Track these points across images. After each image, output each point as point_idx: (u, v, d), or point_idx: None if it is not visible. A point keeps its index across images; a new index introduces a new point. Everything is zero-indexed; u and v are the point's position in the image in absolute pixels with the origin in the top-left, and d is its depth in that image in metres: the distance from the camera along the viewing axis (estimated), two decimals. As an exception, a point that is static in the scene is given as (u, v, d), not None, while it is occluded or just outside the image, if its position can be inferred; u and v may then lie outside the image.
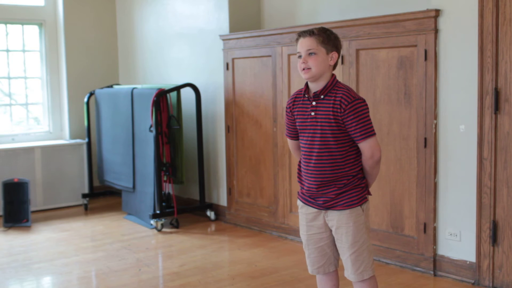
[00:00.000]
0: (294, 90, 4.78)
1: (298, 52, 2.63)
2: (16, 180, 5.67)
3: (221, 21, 5.45)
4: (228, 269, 4.25)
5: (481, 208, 3.67)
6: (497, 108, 3.56)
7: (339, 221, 2.62)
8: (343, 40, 4.16)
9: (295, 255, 4.48)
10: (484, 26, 3.57)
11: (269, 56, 4.95)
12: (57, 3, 6.64)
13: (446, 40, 3.79)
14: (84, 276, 4.16)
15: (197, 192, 5.78)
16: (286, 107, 2.76)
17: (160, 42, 6.33)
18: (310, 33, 2.59)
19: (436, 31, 3.81)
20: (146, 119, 5.45)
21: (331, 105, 2.56)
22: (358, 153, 2.62)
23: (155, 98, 5.26)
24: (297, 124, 2.70)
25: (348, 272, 2.67)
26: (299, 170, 2.74)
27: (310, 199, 2.68)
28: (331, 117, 2.56)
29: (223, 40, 5.38)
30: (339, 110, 2.54)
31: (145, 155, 5.50)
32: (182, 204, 5.85)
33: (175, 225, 5.40)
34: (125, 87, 6.01)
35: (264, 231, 5.16)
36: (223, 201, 5.66)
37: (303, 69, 2.59)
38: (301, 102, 2.67)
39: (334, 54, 2.61)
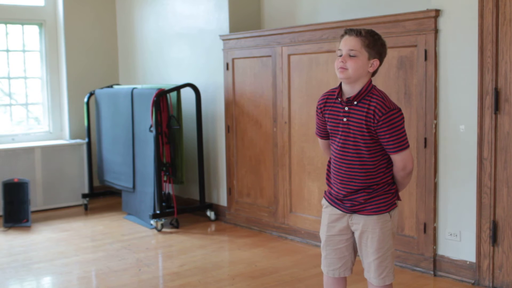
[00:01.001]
0: (294, 90, 4.77)
1: (339, 50, 2.48)
2: (16, 180, 5.67)
3: (221, 21, 5.45)
4: (228, 269, 4.25)
5: (481, 208, 3.67)
6: (497, 108, 3.56)
7: (364, 225, 2.55)
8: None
9: (295, 255, 4.48)
10: (484, 26, 3.57)
11: (269, 56, 4.95)
12: (57, 3, 6.64)
13: (446, 40, 3.79)
14: (84, 276, 4.16)
15: (197, 192, 5.78)
16: (317, 107, 2.64)
17: (160, 42, 6.33)
18: (357, 33, 2.45)
19: (436, 31, 3.81)
20: (146, 119, 5.45)
21: (364, 113, 2.45)
22: (390, 161, 2.54)
23: (155, 98, 5.26)
24: (328, 127, 2.60)
25: (371, 276, 2.60)
26: (328, 171, 2.65)
27: (337, 201, 2.61)
28: (364, 126, 2.45)
29: (223, 40, 5.38)
30: (372, 120, 2.43)
31: (145, 155, 5.50)
32: (182, 204, 5.85)
33: (175, 225, 5.39)
34: (125, 87, 6.01)
35: (264, 231, 5.16)
36: (223, 201, 5.66)
37: (340, 68, 2.46)
38: (333, 104, 2.56)
39: (376, 62, 2.47)
